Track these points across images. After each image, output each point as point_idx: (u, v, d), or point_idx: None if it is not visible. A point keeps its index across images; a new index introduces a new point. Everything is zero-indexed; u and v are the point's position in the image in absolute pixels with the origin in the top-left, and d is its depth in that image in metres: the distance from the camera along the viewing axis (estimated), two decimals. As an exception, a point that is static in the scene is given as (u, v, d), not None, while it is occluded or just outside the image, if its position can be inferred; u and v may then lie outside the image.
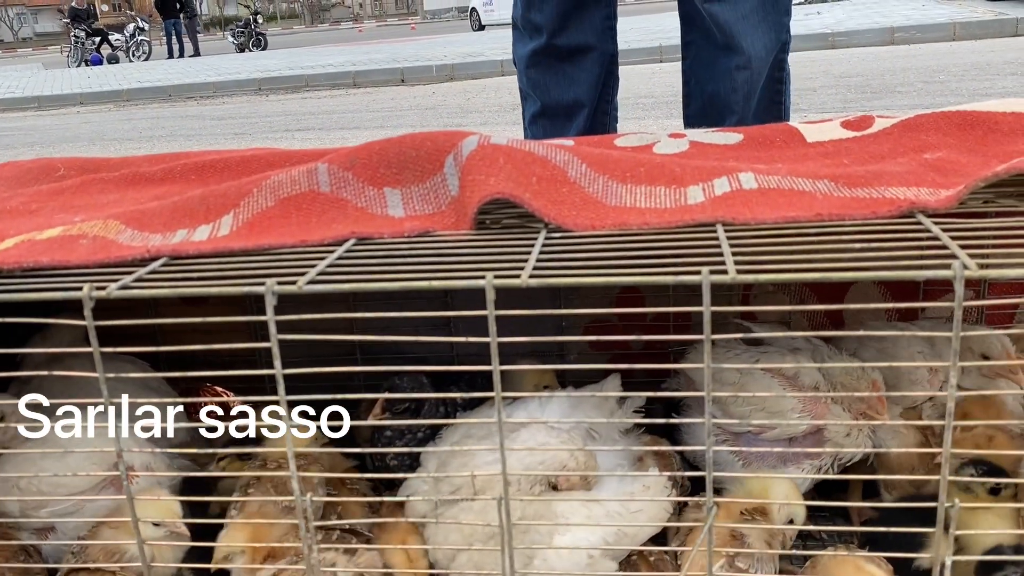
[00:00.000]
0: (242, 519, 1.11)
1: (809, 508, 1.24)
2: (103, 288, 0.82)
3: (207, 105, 10.10)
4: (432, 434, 1.21)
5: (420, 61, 11.44)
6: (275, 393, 0.84)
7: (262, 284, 0.79)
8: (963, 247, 0.77)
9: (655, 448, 1.17)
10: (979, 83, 6.39)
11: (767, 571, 1.03)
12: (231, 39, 21.59)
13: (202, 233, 0.99)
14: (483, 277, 0.77)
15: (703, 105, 2.16)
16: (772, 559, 1.06)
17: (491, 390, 1.37)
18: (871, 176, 0.94)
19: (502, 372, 1.41)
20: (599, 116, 2.31)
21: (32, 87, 13.21)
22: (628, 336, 0.88)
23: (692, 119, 2.19)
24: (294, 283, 0.79)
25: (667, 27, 12.62)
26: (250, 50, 20.23)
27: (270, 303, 0.79)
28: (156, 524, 1.06)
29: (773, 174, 0.98)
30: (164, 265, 0.92)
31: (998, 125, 1.11)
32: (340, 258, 0.87)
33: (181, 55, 19.84)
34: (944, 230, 0.82)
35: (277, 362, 0.81)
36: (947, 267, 0.70)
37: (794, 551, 1.20)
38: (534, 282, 0.77)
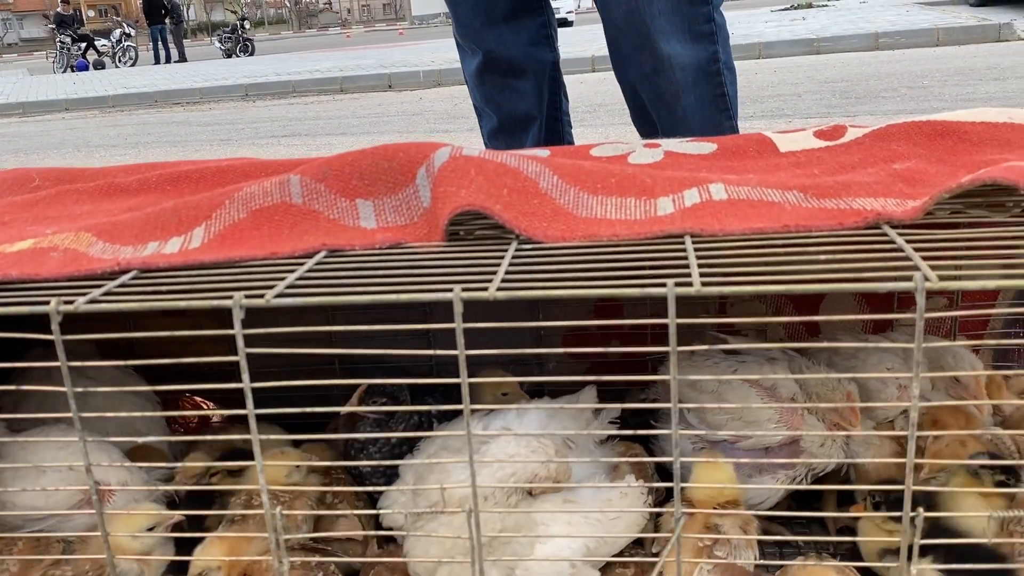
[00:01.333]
0: (221, 534, 1.11)
1: (787, 517, 1.25)
2: (71, 302, 0.82)
3: (193, 111, 10.07)
4: (408, 447, 1.21)
5: (407, 67, 11.44)
6: (254, 406, 0.84)
7: (230, 297, 0.79)
8: (927, 258, 0.78)
9: (629, 460, 1.17)
10: (962, 88, 6.44)
11: (746, 557, 1.04)
12: (218, 45, 21.54)
13: (173, 245, 0.98)
14: (451, 290, 0.77)
15: (636, 111, 2.12)
16: (750, 545, 1.06)
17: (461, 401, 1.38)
18: (839, 187, 0.95)
19: (469, 385, 1.41)
20: (551, 125, 2.30)
21: (17, 93, 13.14)
22: (597, 348, 0.88)
23: (635, 124, 2.17)
24: (263, 296, 0.79)
25: (654, 33, 12.66)
26: (237, 55, 20.19)
27: (237, 317, 0.78)
28: (150, 529, 1.08)
29: (743, 184, 0.98)
30: (134, 278, 0.92)
31: (967, 135, 1.12)
32: (310, 270, 0.87)
33: (168, 61, 19.79)
34: (909, 241, 0.82)
35: (245, 375, 0.81)
36: (909, 279, 0.70)
37: (770, 561, 1.21)
38: (502, 295, 0.78)
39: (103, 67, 20.02)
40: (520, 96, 2.24)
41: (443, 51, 13.69)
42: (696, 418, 1.22)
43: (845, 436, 1.16)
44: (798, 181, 0.99)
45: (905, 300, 1.40)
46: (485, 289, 0.78)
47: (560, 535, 1.01)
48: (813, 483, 1.20)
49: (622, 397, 1.42)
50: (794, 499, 1.28)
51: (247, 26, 22.68)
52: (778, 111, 6.12)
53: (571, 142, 2.39)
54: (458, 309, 0.77)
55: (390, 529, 1.12)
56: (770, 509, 1.27)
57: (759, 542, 1.27)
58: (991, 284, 0.71)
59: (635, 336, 1.48)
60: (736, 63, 2.08)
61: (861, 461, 1.16)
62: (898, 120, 1.18)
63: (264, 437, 0.83)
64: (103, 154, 7.01)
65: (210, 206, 1.02)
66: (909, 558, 0.77)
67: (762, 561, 1.19)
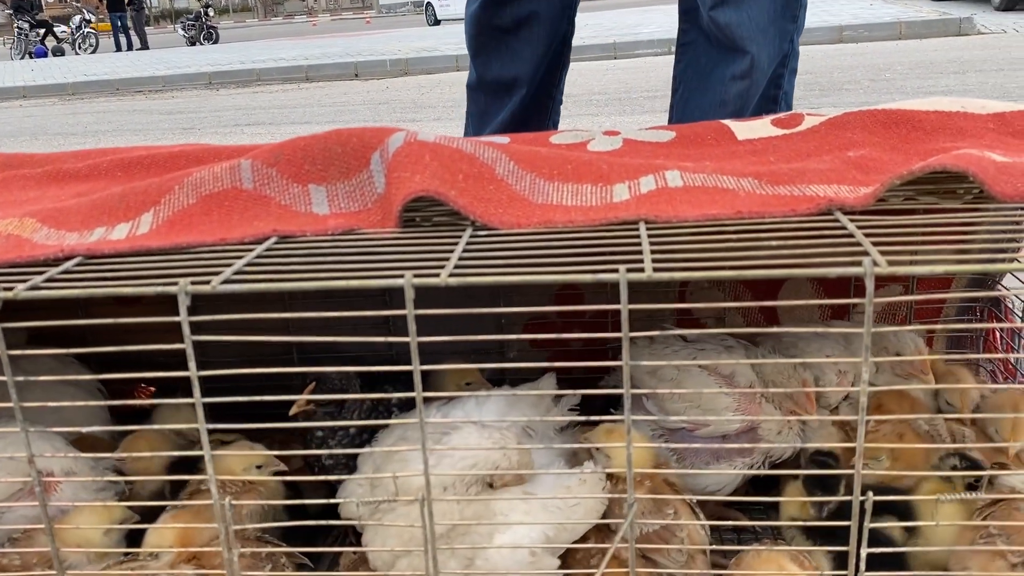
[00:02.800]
0: (170, 521, 1.09)
1: (745, 504, 1.26)
2: (11, 289, 0.80)
3: (155, 99, 9.90)
4: (369, 436, 1.20)
5: (374, 55, 11.33)
6: (213, 394, 0.82)
7: (175, 284, 0.77)
8: (878, 244, 0.78)
9: (588, 447, 1.17)
10: (923, 81, 6.53)
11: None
12: (181, 32, 21.18)
13: (121, 231, 0.96)
14: (402, 276, 0.76)
15: (682, 119, 1.96)
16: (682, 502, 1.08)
17: (426, 390, 1.36)
18: (794, 174, 0.95)
19: (431, 372, 1.40)
20: (540, 98, 2.16)
21: (-27, 80, 12.82)
22: (548, 335, 0.88)
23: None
24: (209, 283, 0.78)
25: (622, 24, 12.69)
26: (201, 43, 19.87)
27: (183, 303, 0.77)
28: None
29: (699, 172, 0.98)
30: (78, 264, 0.90)
31: (921, 123, 1.13)
32: (259, 257, 0.86)
33: (129, 48, 19.43)
34: (862, 227, 0.83)
35: (191, 363, 0.79)
36: (858, 264, 0.71)
37: (727, 547, 1.22)
38: (453, 281, 0.77)
39: (62, 54, 19.59)
40: (514, 57, 2.07)
41: (410, 40, 13.60)
42: (654, 405, 1.22)
43: (800, 422, 1.17)
44: (753, 168, 0.99)
45: (861, 287, 1.41)
46: (437, 276, 0.77)
47: (519, 523, 1.01)
48: (771, 469, 1.21)
49: (583, 384, 1.42)
50: (752, 484, 1.29)
51: (211, 13, 22.33)
52: (743, 102, 6.15)
53: (556, 120, 2.27)
54: (409, 295, 0.77)
55: (348, 519, 1.10)
56: (729, 495, 1.28)
57: (718, 528, 1.28)
58: (939, 270, 0.71)
59: (597, 323, 1.48)
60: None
61: (813, 446, 1.17)
62: (854, 109, 1.19)
63: (211, 427, 0.82)
64: (61, 142, 6.87)
65: (159, 191, 1.00)
66: (859, 543, 0.78)
67: (720, 547, 1.20)
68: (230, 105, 8.69)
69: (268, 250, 0.88)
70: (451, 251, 0.85)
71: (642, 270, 0.74)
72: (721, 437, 1.20)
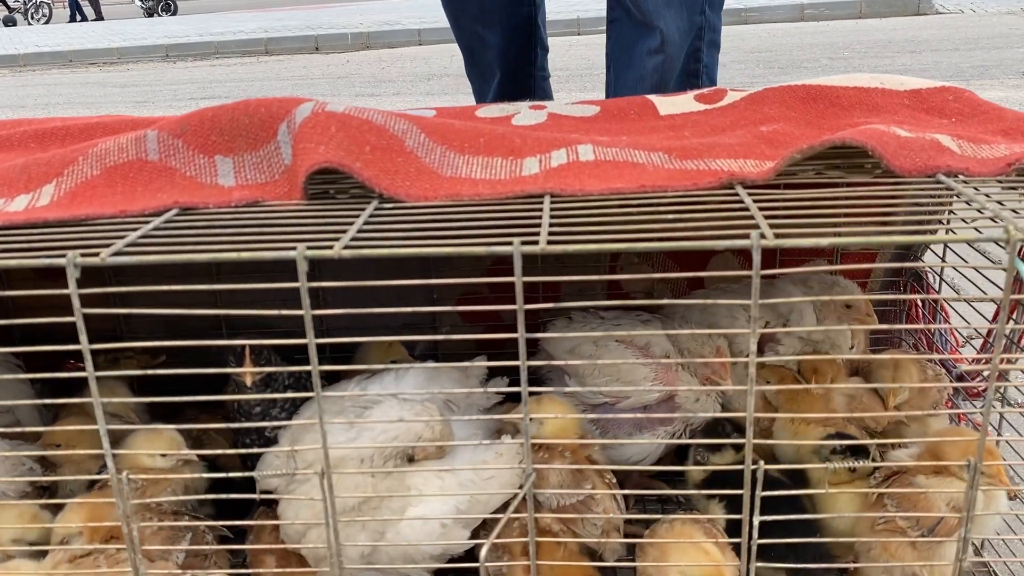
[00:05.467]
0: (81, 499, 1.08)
1: (657, 473, 1.28)
2: None
3: (110, 72, 9.68)
4: (291, 410, 1.19)
5: (335, 28, 11.16)
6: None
7: (63, 256, 0.75)
8: (778, 217, 0.78)
9: (504, 417, 1.17)
10: (880, 60, 6.58)
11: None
12: (139, 3, 20.67)
13: (20, 203, 0.94)
14: (295, 248, 0.75)
15: (615, 95, 2.05)
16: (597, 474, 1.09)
17: (353, 362, 1.36)
18: (704, 148, 0.95)
19: (356, 345, 1.39)
20: (520, 79, 2.26)
21: (-81, 50, 12.43)
22: (431, 307, 0.87)
23: None
24: (98, 255, 0.76)
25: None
26: (159, 14, 19.42)
27: (72, 276, 0.75)
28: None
29: (613, 146, 0.98)
30: (-30, 237, 0.87)
31: (839, 99, 1.14)
32: (156, 229, 0.84)
33: (84, 18, 18.94)
34: (760, 200, 0.83)
35: (83, 336, 0.78)
36: (747, 236, 0.71)
37: (652, 515, 1.23)
38: (348, 254, 0.76)
39: (14, 24, 19.03)
40: (486, 47, 2.21)
41: (372, 13, 13.41)
42: (576, 382, 1.23)
43: (718, 390, 1.18)
44: (666, 143, 0.99)
45: (789, 262, 1.43)
46: (331, 247, 0.76)
47: (431, 496, 1.01)
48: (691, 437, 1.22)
49: (516, 357, 1.42)
50: (676, 454, 1.30)
51: (170, -16, 21.79)
52: (702, 80, 6.15)
53: (545, 95, 2.36)
54: (302, 268, 0.76)
55: (265, 492, 1.10)
56: (654, 465, 1.29)
57: (642, 499, 1.30)
58: (824, 242, 0.72)
59: (526, 299, 1.48)
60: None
61: (735, 416, 1.18)
62: (776, 84, 1.20)
63: (106, 400, 0.80)
64: (10, 115, 6.69)
65: (62, 163, 0.98)
66: (751, 511, 0.79)
67: (644, 516, 1.21)
68: (187, 79, 8.52)
69: (167, 222, 0.87)
70: (352, 223, 0.84)
71: (533, 243, 0.74)
72: (642, 408, 1.21)
